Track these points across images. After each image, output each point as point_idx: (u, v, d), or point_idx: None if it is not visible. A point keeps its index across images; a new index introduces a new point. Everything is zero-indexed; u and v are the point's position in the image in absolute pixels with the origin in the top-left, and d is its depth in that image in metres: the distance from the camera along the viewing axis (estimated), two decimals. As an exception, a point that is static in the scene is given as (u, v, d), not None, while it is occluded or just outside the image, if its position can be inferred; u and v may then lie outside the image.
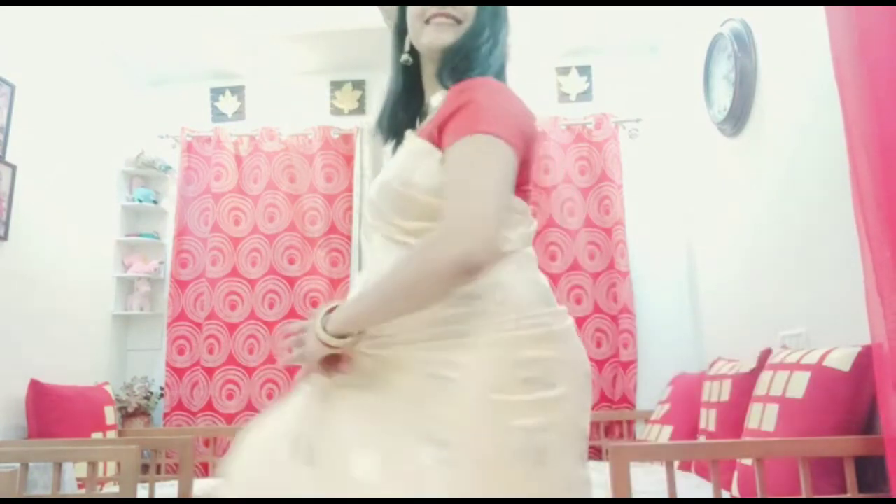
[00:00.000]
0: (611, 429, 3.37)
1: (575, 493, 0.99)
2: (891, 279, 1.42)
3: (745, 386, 2.22)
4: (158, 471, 2.90)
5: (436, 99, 1.15)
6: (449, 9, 1.12)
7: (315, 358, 1.05)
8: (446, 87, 1.11)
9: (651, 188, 3.65)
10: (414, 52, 1.19)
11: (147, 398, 3.46)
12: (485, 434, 0.93)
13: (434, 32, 1.12)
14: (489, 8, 1.16)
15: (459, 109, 1.00)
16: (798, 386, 1.84)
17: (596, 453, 3.24)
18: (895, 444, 1.48)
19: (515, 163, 0.99)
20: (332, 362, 1.06)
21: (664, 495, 1.69)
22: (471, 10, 1.13)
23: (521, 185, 1.08)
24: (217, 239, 3.65)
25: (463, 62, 1.11)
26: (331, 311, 1.04)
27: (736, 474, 2.00)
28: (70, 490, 2.37)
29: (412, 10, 1.15)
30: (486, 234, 0.89)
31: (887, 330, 1.44)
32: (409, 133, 1.19)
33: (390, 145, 1.26)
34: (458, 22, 1.12)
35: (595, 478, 2.46)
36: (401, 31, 1.21)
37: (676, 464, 1.75)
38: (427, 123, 1.11)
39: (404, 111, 1.22)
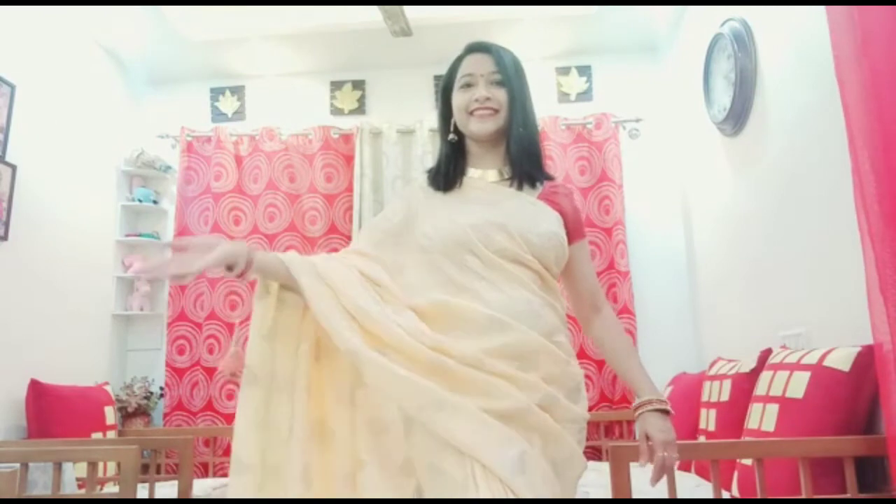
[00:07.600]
0: (610, 429, 3.37)
1: None
2: (894, 278, 1.41)
3: (745, 386, 2.22)
4: (158, 471, 2.89)
5: (490, 174, 1.40)
6: (488, 102, 1.35)
7: None
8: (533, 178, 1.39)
9: (651, 188, 3.65)
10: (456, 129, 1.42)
11: (147, 398, 3.46)
12: None
13: (478, 123, 1.36)
14: (517, 97, 1.36)
15: (578, 213, 1.43)
16: (798, 386, 1.84)
17: (596, 453, 3.24)
18: (896, 444, 1.48)
19: None
20: None
21: (664, 495, 1.69)
22: (504, 98, 1.35)
23: None
24: (217, 239, 3.64)
25: (532, 158, 1.38)
26: None
27: (736, 474, 2.00)
28: (70, 490, 2.37)
29: (458, 103, 1.38)
30: None
31: (891, 329, 1.43)
32: (523, 193, 1.38)
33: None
34: (496, 111, 1.35)
35: (595, 478, 2.45)
36: (445, 115, 1.44)
37: (676, 464, 1.75)
38: (544, 193, 1.39)
39: (454, 167, 1.42)
